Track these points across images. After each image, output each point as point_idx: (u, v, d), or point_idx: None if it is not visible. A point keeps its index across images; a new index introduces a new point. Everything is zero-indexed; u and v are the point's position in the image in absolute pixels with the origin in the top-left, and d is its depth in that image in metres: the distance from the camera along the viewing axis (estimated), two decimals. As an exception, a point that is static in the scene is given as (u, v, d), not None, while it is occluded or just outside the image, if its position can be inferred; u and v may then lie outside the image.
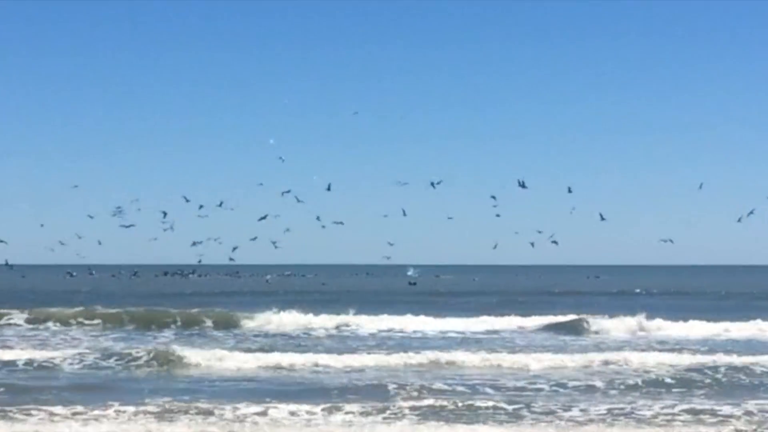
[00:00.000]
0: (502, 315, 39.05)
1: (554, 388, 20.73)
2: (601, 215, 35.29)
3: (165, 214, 34.83)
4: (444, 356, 25.12)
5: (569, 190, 34.82)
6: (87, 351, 26.05)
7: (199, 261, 40.31)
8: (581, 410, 17.95)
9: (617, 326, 35.56)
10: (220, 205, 34.60)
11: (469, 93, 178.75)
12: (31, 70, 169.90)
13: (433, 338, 32.18)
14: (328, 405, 18.14)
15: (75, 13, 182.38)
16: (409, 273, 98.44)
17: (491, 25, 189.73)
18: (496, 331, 34.81)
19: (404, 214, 36.25)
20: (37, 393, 19.45)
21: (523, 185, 32.40)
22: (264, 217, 34.63)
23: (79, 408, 17.62)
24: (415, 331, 34.40)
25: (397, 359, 24.75)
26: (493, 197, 35.31)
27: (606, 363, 24.40)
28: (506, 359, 24.89)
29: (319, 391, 20.06)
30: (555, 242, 35.86)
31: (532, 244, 36.11)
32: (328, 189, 34.29)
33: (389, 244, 42.69)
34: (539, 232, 36.63)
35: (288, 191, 34.17)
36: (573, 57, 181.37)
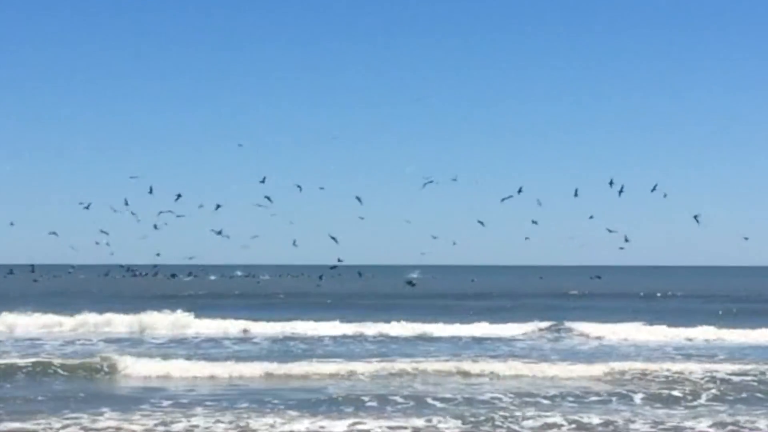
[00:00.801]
0: (505, 319, 38.68)
1: (577, 398, 20.36)
2: (696, 218, 34.83)
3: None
4: (462, 365, 24.46)
5: (653, 188, 34.29)
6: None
7: (158, 254, 39.80)
8: (613, 420, 17.74)
9: (628, 332, 35.10)
10: (177, 198, 34.12)
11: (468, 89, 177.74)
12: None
13: (443, 343, 31.52)
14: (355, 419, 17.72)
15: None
16: (413, 275, 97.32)
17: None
18: (500, 337, 34.12)
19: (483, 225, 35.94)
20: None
21: (621, 191, 32.13)
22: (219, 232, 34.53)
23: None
24: (418, 337, 33.83)
25: (400, 367, 24.25)
26: (576, 193, 35.28)
27: (623, 371, 23.86)
28: (521, 368, 24.32)
29: (328, 401, 19.59)
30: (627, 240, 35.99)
31: (622, 248, 36.31)
32: (300, 189, 34.03)
33: (433, 237, 42.02)
34: (610, 231, 36.63)
35: (263, 180, 34.09)
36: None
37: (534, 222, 37.84)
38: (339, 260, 42.48)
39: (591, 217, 36.42)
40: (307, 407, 18.77)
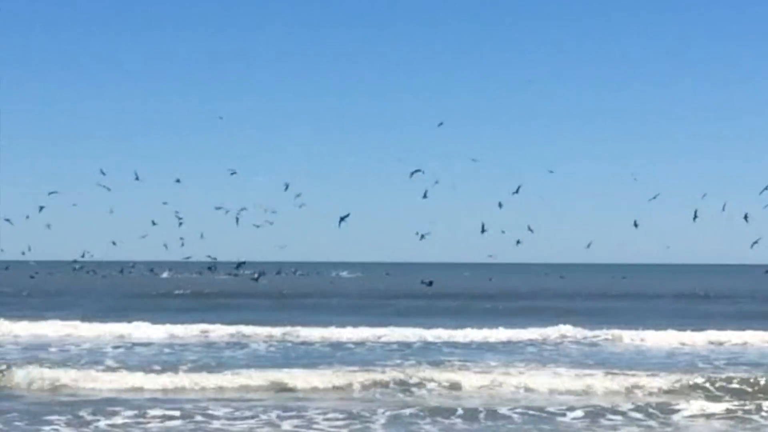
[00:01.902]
0: (534, 321, 36.47)
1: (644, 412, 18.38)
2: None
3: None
4: (505, 378, 22.04)
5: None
6: None
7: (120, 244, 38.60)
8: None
9: (665, 339, 32.31)
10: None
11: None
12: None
13: (470, 348, 29.31)
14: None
15: None
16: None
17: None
18: (529, 341, 31.66)
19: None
20: None
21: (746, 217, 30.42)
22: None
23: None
24: (442, 341, 31.38)
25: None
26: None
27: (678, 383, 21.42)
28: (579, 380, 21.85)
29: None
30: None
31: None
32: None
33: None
34: (746, 219, 34.78)
35: (234, 172, 33.69)
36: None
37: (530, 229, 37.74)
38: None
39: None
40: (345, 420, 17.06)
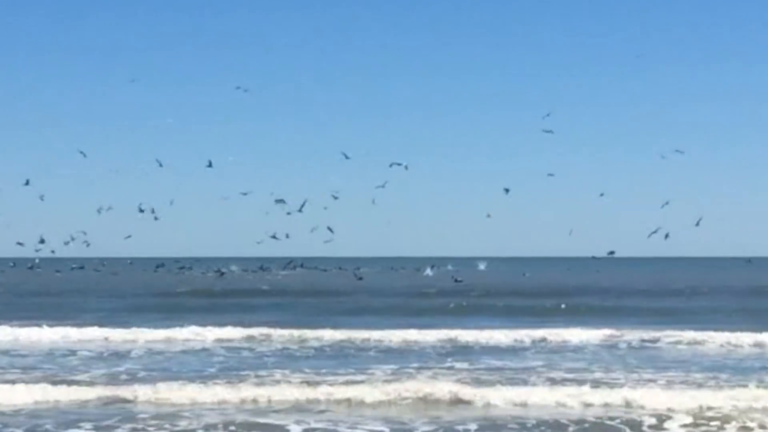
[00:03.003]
0: (577, 321, 35.39)
1: None
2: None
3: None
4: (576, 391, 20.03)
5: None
6: None
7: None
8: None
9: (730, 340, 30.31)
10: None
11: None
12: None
13: (510, 353, 27.48)
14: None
15: None
16: (427, 273, 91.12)
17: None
18: (573, 345, 29.89)
19: None
20: None
21: None
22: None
23: None
24: (478, 344, 29.72)
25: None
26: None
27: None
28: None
29: None
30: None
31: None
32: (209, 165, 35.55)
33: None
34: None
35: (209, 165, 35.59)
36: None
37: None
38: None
39: None
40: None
